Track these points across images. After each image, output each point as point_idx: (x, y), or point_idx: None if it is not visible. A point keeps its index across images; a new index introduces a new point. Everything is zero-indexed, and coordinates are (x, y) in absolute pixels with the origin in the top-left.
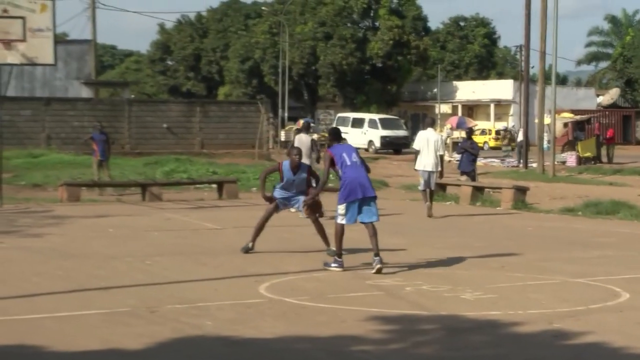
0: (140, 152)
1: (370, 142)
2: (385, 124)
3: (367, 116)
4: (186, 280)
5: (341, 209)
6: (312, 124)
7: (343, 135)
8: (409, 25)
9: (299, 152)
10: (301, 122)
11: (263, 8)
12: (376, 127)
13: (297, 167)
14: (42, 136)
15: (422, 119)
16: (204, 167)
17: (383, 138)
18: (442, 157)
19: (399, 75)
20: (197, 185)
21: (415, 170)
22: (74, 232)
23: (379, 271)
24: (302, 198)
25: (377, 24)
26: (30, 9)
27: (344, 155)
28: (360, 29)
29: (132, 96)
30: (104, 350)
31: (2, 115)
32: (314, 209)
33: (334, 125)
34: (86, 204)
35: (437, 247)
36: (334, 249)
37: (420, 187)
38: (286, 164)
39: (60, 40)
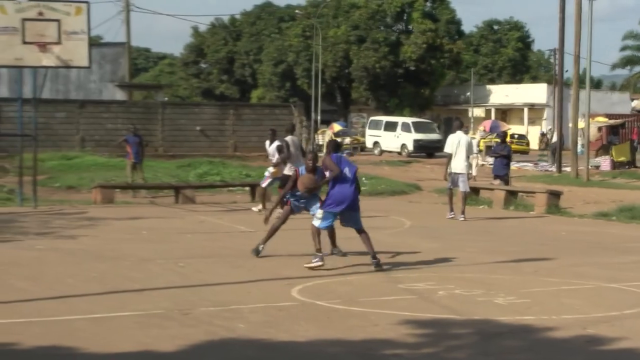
0: (173, 155)
1: (403, 146)
2: (419, 128)
3: (400, 119)
4: (219, 283)
5: (320, 214)
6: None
7: (376, 140)
8: (442, 29)
9: (314, 156)
10: (335, 125)
11: (296, 11)
12: (409, 131)
13: (312, 171)
14: (76, 138)
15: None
16: (237, 169)
17: (416, 141)
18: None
19: (432, 78)
20: (230, 188)
21: (452, 173)
22: (108, 234)
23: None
24: (317, 202)
25: (410, 27)
26: (65, 12)
27: (346, 168)
28: (394, 33)
29: (166, 99)
30: (137, 352)
31: (37, 117)
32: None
33: (333, 138)
34: (120, 206)
35: (470, 251)
36: (340, 249)
37: (448, 186)
38: (302, 169)
39: (94, 43)
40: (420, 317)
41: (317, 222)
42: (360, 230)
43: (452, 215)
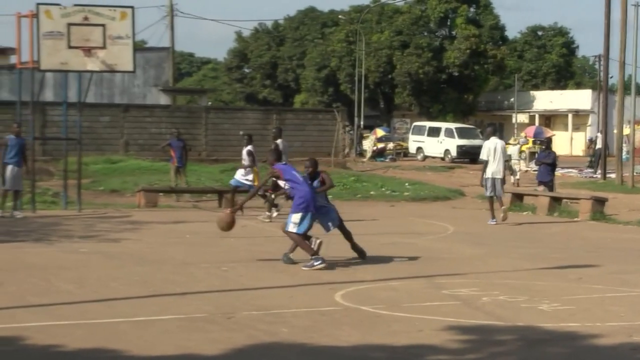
0: (216, 159)
1: (447, 151)
2: (462, 133)
3: (443, 125)
4: (262, 287)
5: (296, 217)
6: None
7: (420, 145)
8: (486, 35)
9: (311, 163)
10: (378, 131)
11: (340, 16)
12: (453, 136)
13: (312, 178)
14: (120, 142)
15: (497, 129)
16: None
17: (459, 147)
18: (506, 163)
19: (475, 84)
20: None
21: (487, 178)
22: (151, 237)
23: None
24: (331, 209)
25: (454, 33)
26: (110, 17)
27: (293, 172)
28: (437, 38)
29: (209, 103)
30: (179, 355)
31: (82, 121)
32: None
33: (274, 147)
34: (163, 210)
35: (514, 258)
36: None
37: (487, 193)
38: (289, 170)
39: (139, 47)
40: (464, 323)
41: (295, 229)
42: (342, 226)
43: (494, 222)
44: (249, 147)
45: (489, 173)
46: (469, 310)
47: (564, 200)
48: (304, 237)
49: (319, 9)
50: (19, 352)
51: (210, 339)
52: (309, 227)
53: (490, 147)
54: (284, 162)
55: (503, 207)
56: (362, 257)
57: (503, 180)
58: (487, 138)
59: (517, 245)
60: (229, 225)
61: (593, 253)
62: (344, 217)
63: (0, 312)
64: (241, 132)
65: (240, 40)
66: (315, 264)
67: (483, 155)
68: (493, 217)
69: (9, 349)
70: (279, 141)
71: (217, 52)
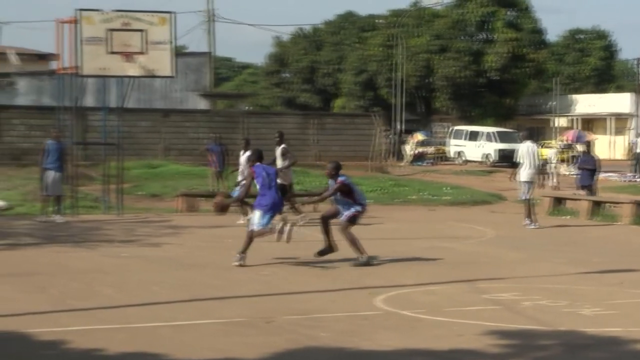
0: None
1: (487, 155)
2: (502, 137)
3: (483, 129)
4: (302, 292)
5: (259, 216)
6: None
7: (459, 149)
8: (525, 38)
9: (332, 166)
10: (418, 135)
11: (379, 21)
12: (492, 140)
13: (333, 178)
14: (160, 147)
15: (537, 133)
16: (318, 179)
17: (500, 151)
18: (539, 167)
19: (515, 88)
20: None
21: (521, 181)
22: (191, 242)
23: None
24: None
25: (493, 36)
26: (151, 22)
27: (264, 174)
28: (476, 42)
29: (248, 108)
30: (220, 359)
31: (122, 126)
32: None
33: (258, 148)
34: (203, 214)
35: (555, 262)
36: (365, 257)
37: (524, 197)
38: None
39: (178, 52)
40: (505, 327)
41: (257, 226)
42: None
43: (537, 226)
44: (249, 153)
45: (524, 176)
46: (510, 314)
47: (605, 204)
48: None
49: (358, 14)
50: (61, 356)
51: (250, 343)
52: (268, 223)
53: (524, 151)
54: (268, 164)
55: (534, 217)
56: (324, 253)
57: (534, 186)
58: (522, 141)
59: (557, 249)
60: (221, 208)
61: (634, 257)
62: (382, 221)
63: (42, 316)
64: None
65: (279, 45)
66: (235, 259)
67: (518, 158)
68: (532, 220)
69: (51, 353)
70: (283, 146)
71: (256, 56)
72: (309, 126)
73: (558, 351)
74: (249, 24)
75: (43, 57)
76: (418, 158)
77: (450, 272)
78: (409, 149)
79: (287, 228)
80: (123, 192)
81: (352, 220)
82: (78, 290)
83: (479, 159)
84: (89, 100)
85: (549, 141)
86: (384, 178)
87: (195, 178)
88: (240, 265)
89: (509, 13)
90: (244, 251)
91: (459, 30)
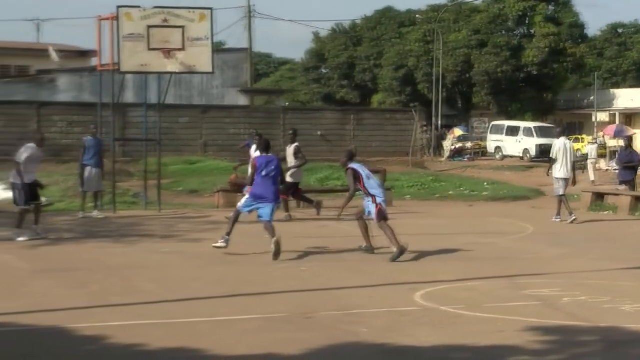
0: None
1: (526, 151)
2: (541, 132)
3: (522, 124)
4: (340, 287)
5: (244, 200)
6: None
7: (498, 144)
8: (565, 33)
9: (345, 155)
10: (456, 130)
11: (417, 16)
12: (532, 136)
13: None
14: (199, 143)
15: (577, 128)
16: None
17: (539, 146)
18: (574, 163)
19: (554, 83)
20: None
21: (556, 177)
22: (231, 237)
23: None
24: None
25: (532, 31)
26: (190, 19)
27: (264, 164)
28: (515, 37)
29: (287, 104)
30: (260, 355)
31: (161, 122)
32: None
33: (265, 138)
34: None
35: (595, 258)
36: (368, 245)
37: (560, 192)
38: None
39: (217, 49)
40: (545, 323)
41: (241, 207)
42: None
43: (574, 218)
44: (296, 145)
45: (561, 172)
46: (550, 310)
47: None
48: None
49: (396, 9)
50: (102, 351)
51: (289, 339)
52: (248, 210)
53: (560, 147)
54: (273, 156)
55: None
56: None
57: (568, 182)
58: (557, 137)
59: (598, 245)
60: (235, 187)
61: None
62: (421, 217)
63: (83, 312)
64: (319, 132)
65: (318, 40)
66: (220, 242)
67: (553, 154)
68: (571, 213)
69: (92, 348)
70: (296, 144)
71: (295, 52)
72: (348, 122)
73: (598, 347)
74: (287, 20)
75: (83, 54)
76: (457, 153)
77: (490, 268)
78: (447, 144)
79: (272, 247)
80: (162, 188)
81: (381, 215)
82: (118, 286)
83: (518, 155)
84: (129, 97)
85: (581, 136)
86: (422, 173)
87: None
88: (220, 247)
89: (548, 7)
90: (229, 233)
91: (498, 25)
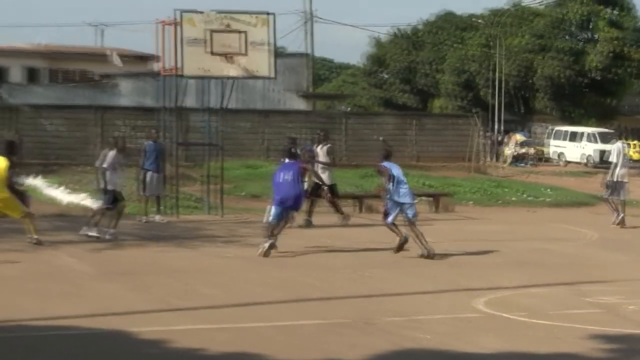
0: (356, 164)
1: (588, 156)
2: (604, 138)
3: (584, 130)
4: (402, 293)
5: (270, 210)
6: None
7: (560, 150)
8: (628, 37)
9: (380, 154)
10: (517, 136)
11: (479, 21)
12: (594, 141)
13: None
14: (260, 148)
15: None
16: (417, 179)
17: (601, 152)
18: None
19: (618, 88)
20: None
21: (614, 181)
22: (292, 242)
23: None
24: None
25: (595, 35)
26: (251, 24)
27: (281, 173)
28: (578, 41)
29: (348, 109)
30: None
31: (223, 127)
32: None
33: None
34: (301, 214)
35: None
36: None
37: (607, 195)
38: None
39: (277, 53)
40: (609, 332)
41: (272, 218)
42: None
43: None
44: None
45: (619, 176)
46: (614, 318)
47: None
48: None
49: (457, 13)
50: (164, 355)
51: (351, 344)
52: (279, 218)
53: (618, 151)
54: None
55: (622, 216)
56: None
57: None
58: (613, 142)
59: None
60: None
61: None
62: (484, 223)
63: (146, 315)
64: (380, 138)
65: (378, 45)
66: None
67: (612, 158)
68: (618, 214)
69: (155, 352)
70: (329, 145)
71: (355, 57)
72: (408, 127)
73: None
74: (348, 25)
75: (144, 58)
76: (518, 159)
77: (553, 275)
78: (508, 149)
79: (266, 245)
80: (224, 193)
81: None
82: (180, 290)
83: (580, 160)
84: (190, 101)
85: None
86: (483, 179)
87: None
88: (265, 254)
89: (611, 12)
90: (269, 237)
91: (560, 30)
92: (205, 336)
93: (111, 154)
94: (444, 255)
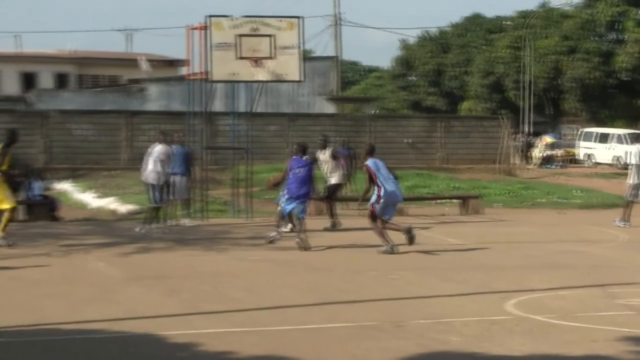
0: None
1: (617, 158)
2: (633, 139)
3: (614, 131)
4: (430, 296)
5: (283, 200)
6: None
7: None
8: None
9: (363, 150)
10: (546, 138)
11: (507, 22)
12: (624, 142)
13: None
14: (287, 151)
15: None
16: (445, 182)
17: (630, 154)
18: None
19: None
20: (439, 200)
21: (634, 183)
22: (320, 245)
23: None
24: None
25: (623, 36)
26: (279, 27)
27: (295, 167)
28: (606, 42)
29: (376, 112)
30: None
31: (250, 130)
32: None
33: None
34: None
35: None
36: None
37: (629, 197)
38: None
39: (305, 57)
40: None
41: (283, 206)
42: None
43: (623, 224)
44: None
45: (636, 178)
46: None
47: None
48: (281, 217)
49: (484, 15)
50: (193, 358)
51: (380, 347)
52: (290, 211)
53: (635, 153)
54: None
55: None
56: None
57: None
58: (634, 144)
59: None
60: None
61: None
62: (512, 224)
63: (175, 319)
64: (405, 140)
65: (405, 48)
66: (272, 234)
67: (632, 159)
68: (625, 219)
69: (184, 355)
70: (332, 148)
71: (382, 60)
72: (436, 129)
73: None
74: (375, 28)
75: (172, 63)
76: (547, 161)
77: (583, 277)
78: (537, 151)
79: (272, 234)
80: (252, 196)
81: (372, 216)
82: (209, 293)
83: (610, 162)
84: (217, 105)
85: None
86: (512, 181)
87: (321, 182)
88: (272, 241)
89: None
90: (278, 226)
91: (588, 31)
92: (234, 339)
93: (160, 149)
94: (472, 258)
